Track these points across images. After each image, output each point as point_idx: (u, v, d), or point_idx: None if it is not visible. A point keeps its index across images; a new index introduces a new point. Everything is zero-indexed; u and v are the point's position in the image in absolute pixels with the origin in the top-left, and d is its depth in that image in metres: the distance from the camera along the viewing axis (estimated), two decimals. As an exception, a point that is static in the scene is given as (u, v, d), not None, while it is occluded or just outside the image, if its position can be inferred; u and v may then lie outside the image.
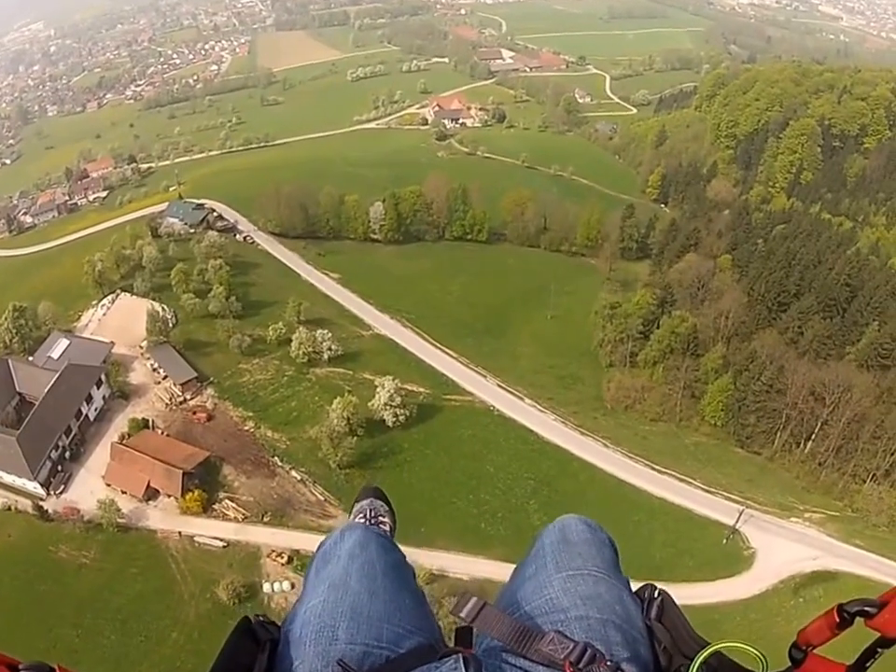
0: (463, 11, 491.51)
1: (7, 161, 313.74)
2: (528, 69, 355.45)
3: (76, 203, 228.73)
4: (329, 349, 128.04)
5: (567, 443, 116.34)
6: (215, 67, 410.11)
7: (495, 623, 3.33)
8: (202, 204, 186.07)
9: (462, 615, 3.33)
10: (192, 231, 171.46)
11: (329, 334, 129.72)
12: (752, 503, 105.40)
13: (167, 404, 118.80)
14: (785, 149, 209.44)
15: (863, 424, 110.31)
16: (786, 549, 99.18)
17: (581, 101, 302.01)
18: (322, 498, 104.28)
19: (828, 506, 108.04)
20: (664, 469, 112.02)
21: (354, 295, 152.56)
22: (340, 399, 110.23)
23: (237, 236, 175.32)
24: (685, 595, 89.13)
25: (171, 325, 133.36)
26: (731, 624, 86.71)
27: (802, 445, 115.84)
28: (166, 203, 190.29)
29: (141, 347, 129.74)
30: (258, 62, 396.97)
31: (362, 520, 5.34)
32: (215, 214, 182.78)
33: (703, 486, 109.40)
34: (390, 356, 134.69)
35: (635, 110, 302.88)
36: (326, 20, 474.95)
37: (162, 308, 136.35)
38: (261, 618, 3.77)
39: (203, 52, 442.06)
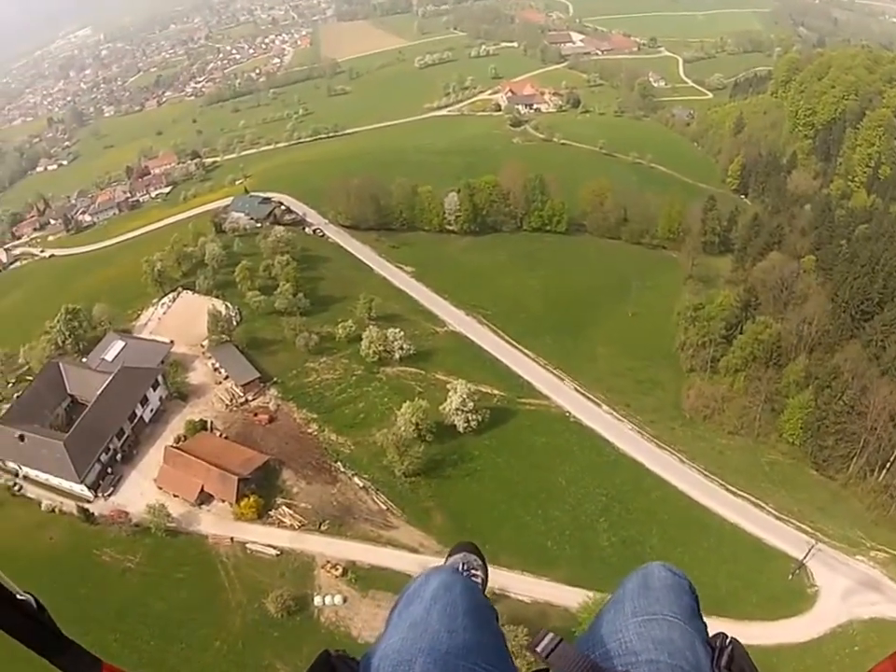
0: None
1: (64, 163, 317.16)
2: (599, 52, 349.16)
3: (137, 200, 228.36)
4: (401, 348, 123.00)
5: (642, 456, 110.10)
6: (277, 60, 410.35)
7: (568, 660, 3.45)
8: (268, 198, 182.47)
9: (538, 650, 3.46)
10: (258, 225, 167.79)
11: (401, 332, 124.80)
12: (821, 535, 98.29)
13: (227, 405, 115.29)
14: (862, 141, 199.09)
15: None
16: (849, 590, 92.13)
17: (655, 85, 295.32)
18: (384, 507, 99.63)
19: (894, 544, 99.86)
20: (738, 491, 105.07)
21: (428, 289, 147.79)
22: (409, 404, 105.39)
23: (306, 229, 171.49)
24: (745, 634, 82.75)
25: (234, 323, 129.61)
26: (787, 670, 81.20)
27: (876, 474, 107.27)
28: (231, 198, 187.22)
29: (202, 346, 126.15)
30: (321, 53, 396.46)
31: None
32: (282, 207, 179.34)
33: (775, 512, 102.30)
34: (464, 354, 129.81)
35: (710, 94, 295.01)
36: (388, 8, 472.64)
37: (226, 306, 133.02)
38: (340, 652, 3.87)
39: (263, 46, 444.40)
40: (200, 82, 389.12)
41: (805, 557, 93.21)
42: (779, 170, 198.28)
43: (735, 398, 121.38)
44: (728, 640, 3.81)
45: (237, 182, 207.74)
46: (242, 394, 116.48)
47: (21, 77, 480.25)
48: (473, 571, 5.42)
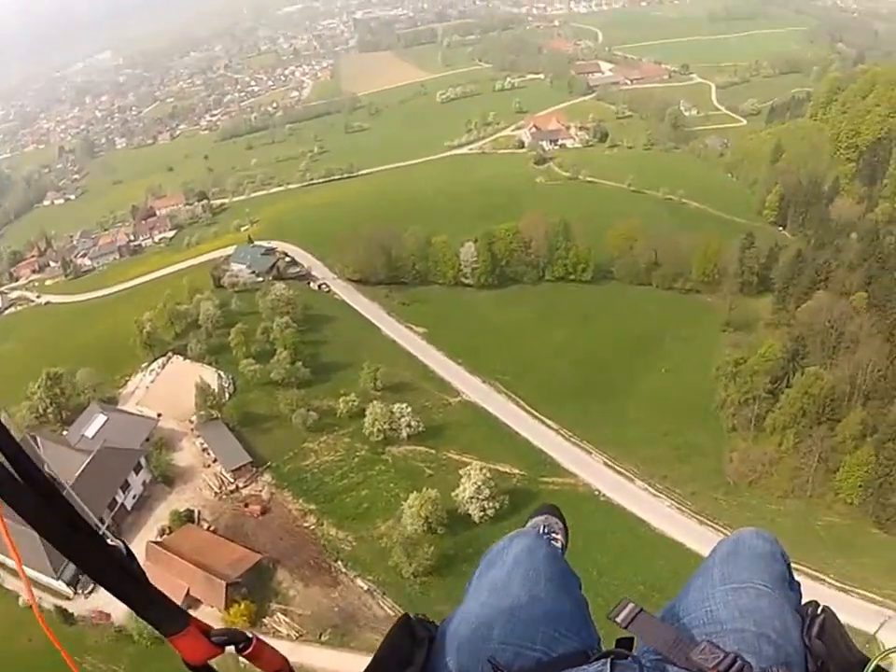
0: (556, 23, 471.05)
1: (72, 197, 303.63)
2: (629, 81, 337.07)
3: (139, 245, 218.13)
4: (409, 425, 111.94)
5: (682, 535, 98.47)
6: (295, 93, 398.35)
7: (649, 630, 3.48)
8: (272, 249, 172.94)
9: (618, 620, 3.48)
10: (260, 279, 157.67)
11: (409, 408, 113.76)
12: (891, 601, 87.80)
13: (216, 493, 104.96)
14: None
15: None
16: (920, 663, 79.93)
17: (686, 114, 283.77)
18: (392, 614, 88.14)
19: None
20: (793, 565, 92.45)
21: (440, 353, 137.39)
22: (416, 495, 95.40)
23: (311, 284, 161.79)
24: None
25: (227, 395, 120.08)
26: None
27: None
28: (234, 247, 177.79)
29: (191, 422, 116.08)
30: (341, 86, 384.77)
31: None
32: (287, 259, 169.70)
33: (837, 582, 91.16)
34: (480, 428, 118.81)
35: (745, 121, 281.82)
36: (412, 39, 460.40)
37: (219, 375, 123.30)
38: (420, 616, 3.95)
39: (282, 78, 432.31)
40: (216, 115, 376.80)
41: (876, 631, 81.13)
42: (821, 198, 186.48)
43: (785, 458, 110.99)
44: (820, 609, 3.77)
45: (242, 229, 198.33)
46: (232, 480, 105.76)
47: (37, 99, 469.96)
48: (554, 535, 5.52)
